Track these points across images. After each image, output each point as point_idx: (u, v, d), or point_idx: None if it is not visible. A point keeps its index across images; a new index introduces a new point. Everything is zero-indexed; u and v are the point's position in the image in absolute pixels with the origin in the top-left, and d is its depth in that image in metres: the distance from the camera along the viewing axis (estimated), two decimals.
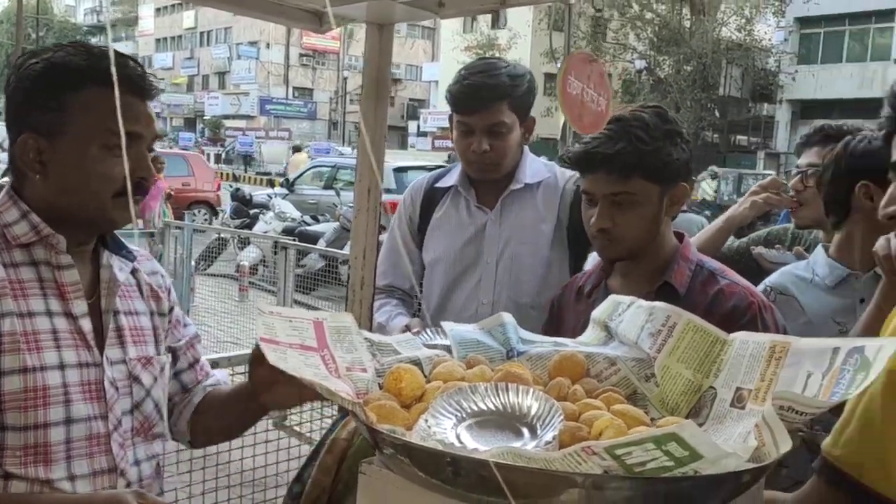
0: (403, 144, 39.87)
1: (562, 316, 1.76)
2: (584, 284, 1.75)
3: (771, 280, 1.98)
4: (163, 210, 10.08)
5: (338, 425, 1.64)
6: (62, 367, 1.20)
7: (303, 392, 1.22)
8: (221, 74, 51.91)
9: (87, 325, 1.25)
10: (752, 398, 1.08)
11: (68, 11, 61.79)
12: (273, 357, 1.03)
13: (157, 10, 56.92)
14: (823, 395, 0.96)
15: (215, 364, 2.01)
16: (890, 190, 1.18)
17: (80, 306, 1.25)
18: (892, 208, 1.17)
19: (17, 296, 1.19)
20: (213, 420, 1.44)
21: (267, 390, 1.27)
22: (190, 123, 49.82)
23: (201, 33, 54.40)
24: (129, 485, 1.25)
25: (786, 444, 0.89)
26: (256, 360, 1.23)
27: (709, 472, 0.83)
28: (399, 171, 11.73)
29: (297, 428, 2.69)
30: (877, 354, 0.93)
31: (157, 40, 58.27)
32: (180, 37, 56.29)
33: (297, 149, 18.66)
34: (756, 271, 2.17)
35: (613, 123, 1.58)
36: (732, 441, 1.01)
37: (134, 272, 1.37)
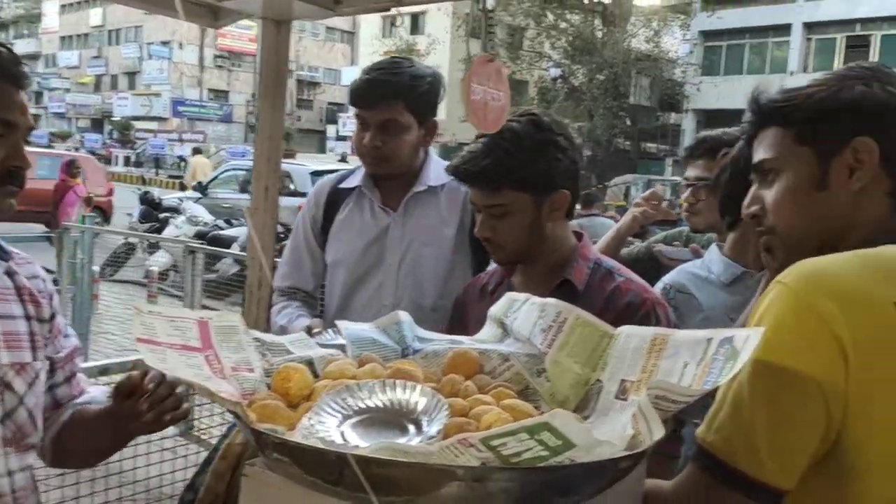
0: (322, 148, 39.48)
1: (466, 315, 1.77)
2: (488, 283, 1.78)
3: (669, 278, 2.05)
4: (80, 217, 9.47)
5: (233, 430, 1.60)
6: None
7: (175, 415, 1.25)
8: (131, 74, 50.10)
9: None
10: (635, 390, 1.11)
11: None
12: (151, 358, 0.99)
13: (62, 6, 54.55)
14: (697, 383, 1.00)
15: (106, 370, 1.92)
16: (752, 190, 1.23)
17: None
18: (754, 208, 1.22)
19: None
20: (80, 440, 1.37)
21: (131, 421, 1.23)
22: (97, 124, 47.86)
23: (110, 31, 52.38)
24: (1, 497, 1.18)
25: (659, 432, 0.92)
26: (120, 394, 1.21)
27: (584, 460, 0.85)
28: (316, 174, 11.58)
29: (197, 434, 2.59)
30: (744, 344, 0.97)
31: (62, 38, 55.81)
32: (87, 35, 54.07)
33: (197, 151, 18.00)
34: (656, 273, 2.25)
35: (484, 137, 1.62)
36: (615, 431, 1.04)
37: (11, 275, 1.30)
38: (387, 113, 1.95)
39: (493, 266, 1.88)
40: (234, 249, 8.07)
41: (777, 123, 1.16)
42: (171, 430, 2.54)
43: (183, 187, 13.55)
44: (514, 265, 1.72)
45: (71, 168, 11.04)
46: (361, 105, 1.98)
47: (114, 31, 52.06)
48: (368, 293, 2.03)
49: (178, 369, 1.00)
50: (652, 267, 2.36)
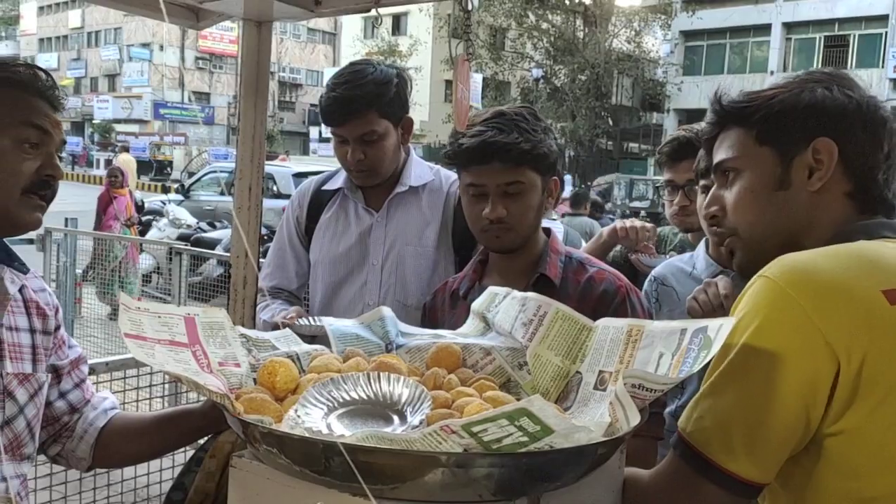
0: (305, 150, 39.37)
1: (436, 320, 1.76)
2: (458, 288, 1.76)
3: (657, 271, 2.11)
4: (124, 232, 9.03)
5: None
6: None
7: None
8: (111, 77, 49.72)
9: None
10: (613, 380, 1.14)
11: None
12: (139, 353, 1.01)
13: (41, 8, 54.03)
14: (672, 372, 1.03)
15: (92, 370, 1.92)
16: (712, 191, 1.25)
17: None
18: (714, 208, 1.23)
19: None
20: (131, 443, 1.42)
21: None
22: (78, 127, 47.42)
23: (89, 33, 51.95)
24: None
25: (635, 419, 0.95)
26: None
27: (563, 446, 0.88)
28: (298, 176, 11.56)
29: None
30: (717, 333, 1.00)
31: (41, 40, 55.26)
32: (66, 37, 53.59)
33: (124, 149, 17.84)
34: (631, 279, 2.28)
35: (498, 117, 1.62)
36: (593, 419, 1.07)
37: (21, 288, 1.32)
38: (362, 126, 1.95)
39: (466, 268, 1.87)
40: (218, 251, 8.04)
41: (739, 124, 1.18)
42: None
43: (166, 190, 13.41)
44: (516, 249, 1.69)
45: (111, 177, 9.35)
46: (333, 124, 1.98)
47: (93, 32, 51.66)
48: (352, 293, 2.05)
49: (167, 364, 1.02)
50: (628, 273, 2.39)
